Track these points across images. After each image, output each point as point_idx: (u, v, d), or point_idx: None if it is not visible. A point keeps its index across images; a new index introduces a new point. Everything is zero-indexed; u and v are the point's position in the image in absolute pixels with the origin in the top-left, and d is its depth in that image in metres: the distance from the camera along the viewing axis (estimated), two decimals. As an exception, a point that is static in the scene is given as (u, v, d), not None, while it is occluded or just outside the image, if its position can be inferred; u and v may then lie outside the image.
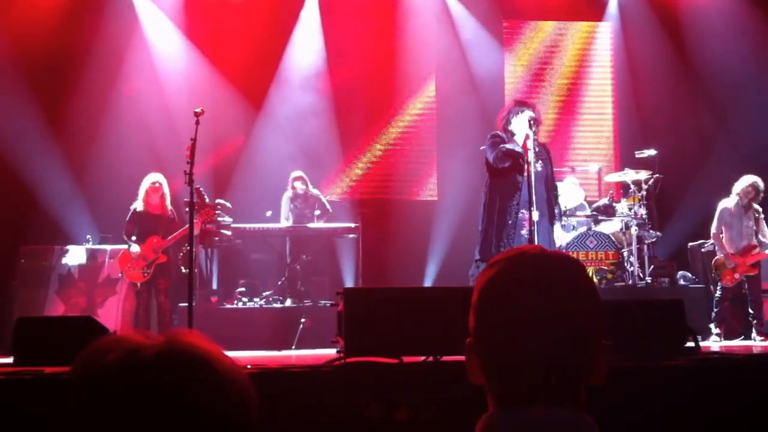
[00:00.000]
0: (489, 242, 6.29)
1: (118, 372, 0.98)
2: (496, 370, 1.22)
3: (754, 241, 8.14)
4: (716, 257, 8.28)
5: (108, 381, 0.97)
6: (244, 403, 1.02)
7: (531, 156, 6.11)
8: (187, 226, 7.48)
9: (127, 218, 7.86)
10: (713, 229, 8.31)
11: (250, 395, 1.04)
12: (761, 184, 8.18)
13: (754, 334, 7.92)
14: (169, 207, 7.94)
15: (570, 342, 1.20)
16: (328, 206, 9.04)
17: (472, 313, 1.27)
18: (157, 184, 7.84)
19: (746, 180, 8.19)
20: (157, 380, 0.97)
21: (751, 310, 8.05)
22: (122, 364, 0.98)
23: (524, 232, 6.14)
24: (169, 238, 7.70)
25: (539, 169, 6.20)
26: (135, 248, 7.73)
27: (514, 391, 1.20)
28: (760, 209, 8.26)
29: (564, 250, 7.82)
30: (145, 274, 7.67)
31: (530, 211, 5.99)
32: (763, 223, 8.25)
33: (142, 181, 7.92)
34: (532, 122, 6.21)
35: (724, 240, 8.21)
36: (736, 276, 8.07)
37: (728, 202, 8.24)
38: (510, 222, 6.19)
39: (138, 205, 7.86)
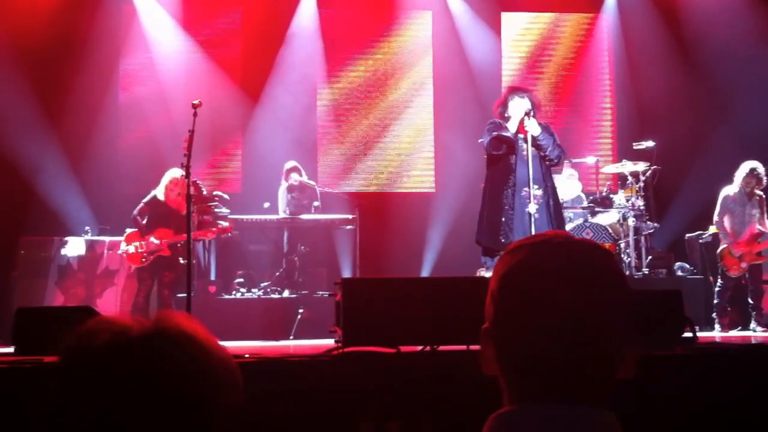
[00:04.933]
0: (482, 226, 6.40)
1: (106, 354, 0.97)
2: (515, 363, 1.16)
3: (758, 228, 8.03)
4: (721, 247, 8.10)
5: (97, 363, 0.97)
6: (232, 384, 1.03)
7: (529, 138, 6.22)
8: (198, 232, 7.58)
9: (145, 200, 7.81)
10: (716, 217, 8.18)
11: (236, 376, 1.04)
12: (762, 170, 8.08)
13: (753, 325, 7.85)
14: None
15: (598, 334, 1.13)
16: (318, 200, 9.01)
17: (490, 300, 1.20)
18: (177, 181, 7.71)
19: (747, 166, 8.07)
20: (145, 362, 0.97)
21: (751, 300, 7.95)
22: (111, 345, 0.98)
23: (527, 209, 6.21)
24: (180, 236, 7.59)
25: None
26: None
27: (533, 386, 1.14)
28: (764, 195, 8.15)
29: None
30: (143, 260, 7.66)
31: (530, 190, 6.11)
32: (766, 210, 8.16)
33: (166, 173, 7.83)
34: (530, 110, 6.31)
35: (729, 228, 8.06)
36: (743, 265, 7.94)
37: (730, 190, 8.13)
38: (507, 203, 6.26)
39: (159, 194, 7.81)
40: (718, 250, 8.18)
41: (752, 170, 8.05)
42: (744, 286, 8.09)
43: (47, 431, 0.98)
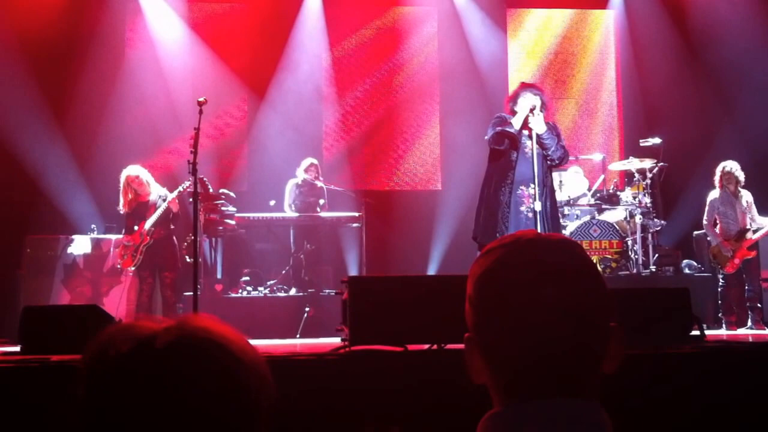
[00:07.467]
0: (479, 222, 6.37)
1: (131, 363, 0.95)
2: (503, 364, 1.15)
3: (747, 224, 8.05)
4: (711, 246, 8.16)
5: (122, 373, 0.95)
6: (262, 387, 1.00)
7: (534, 135, 6.20)
8: (165, 204, 7.60)
9: (123, 212, 7.87)
10: (704, 219, 8.23)
11: (266, 377, 1.02)
12: (734, 166, 8.09)
13: (750, 324, 7.77)
14: (156, 192, 7.83)
15: (580, 328, 1.13)
16: (325, 198, 9.02)
17: (469, 307, 1.19)
18: (134, 177, 7.76)
19: (721, 167, 8.12)
20: (172, 370, 0.95)
21: (747, 298, 7.91)
22: (136, 354, 0.96)
23: (523, 208, 6.23)
24: (149, 219, 7.66)
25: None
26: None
27: (523, 385, 1.13)
28: (749, 194, 8.16)
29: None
30: (134, 258, 7.68)
31: (530, 188, 6.10)
32: (753, 205, 8.15)
33: (121, 176, 7.85)
34: (535, 107, 6.28)
35: (719, 229, 8.10)
36: (736, 262, 7.96)
37: (715, 193, 8.17)
38: (504, 200, 6.23)
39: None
40: (709, 250, 8.23)
41: (723, 168, 8.11)
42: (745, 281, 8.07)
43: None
